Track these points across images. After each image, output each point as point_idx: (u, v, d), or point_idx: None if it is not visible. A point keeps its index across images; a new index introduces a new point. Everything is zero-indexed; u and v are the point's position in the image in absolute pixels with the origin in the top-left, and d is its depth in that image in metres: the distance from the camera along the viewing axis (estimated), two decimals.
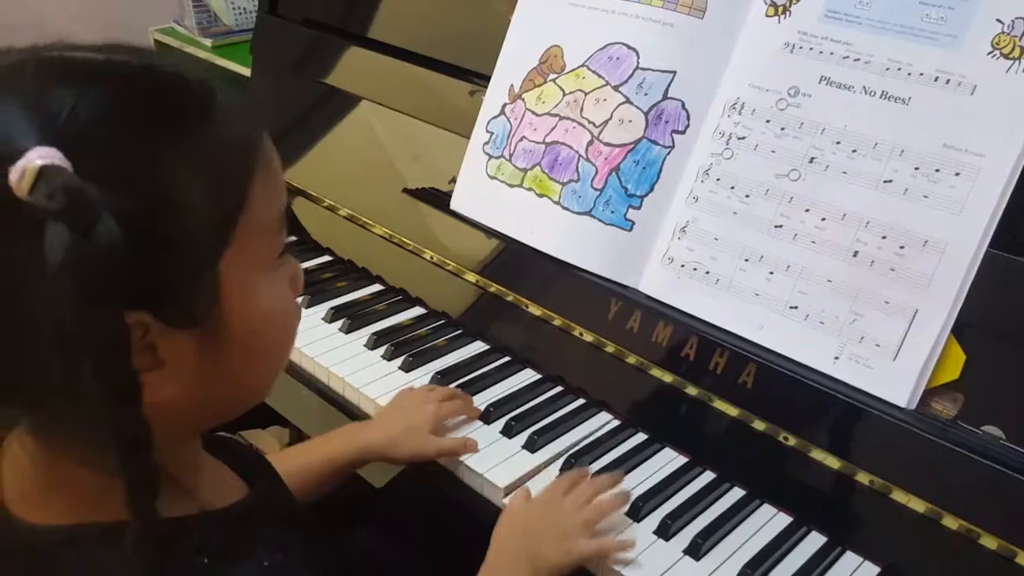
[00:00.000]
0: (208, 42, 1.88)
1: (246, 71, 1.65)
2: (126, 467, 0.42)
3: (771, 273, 0.86)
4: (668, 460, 0.92)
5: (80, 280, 0.39)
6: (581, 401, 1.00)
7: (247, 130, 0.50)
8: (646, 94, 0.95)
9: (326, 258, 1.31)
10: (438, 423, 0.92)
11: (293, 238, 1.36)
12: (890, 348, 0.79)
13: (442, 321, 1.15)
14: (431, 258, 1.16)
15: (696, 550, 0.80)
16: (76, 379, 0.40)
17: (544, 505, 0.81)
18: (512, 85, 1.07)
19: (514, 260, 1.07)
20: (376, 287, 1.23)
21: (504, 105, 1.08)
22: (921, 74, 0.80)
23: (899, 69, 0.81)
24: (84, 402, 0.40)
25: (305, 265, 1.28)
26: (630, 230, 0.95)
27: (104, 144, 0.43)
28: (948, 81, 0.78)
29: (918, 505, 0.77)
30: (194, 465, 0.56)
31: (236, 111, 0.50)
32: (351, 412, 1.02)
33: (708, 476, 0.90)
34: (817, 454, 0.83)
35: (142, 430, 0.42)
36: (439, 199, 1.15)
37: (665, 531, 0.82)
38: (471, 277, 1.11)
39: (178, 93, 0.47)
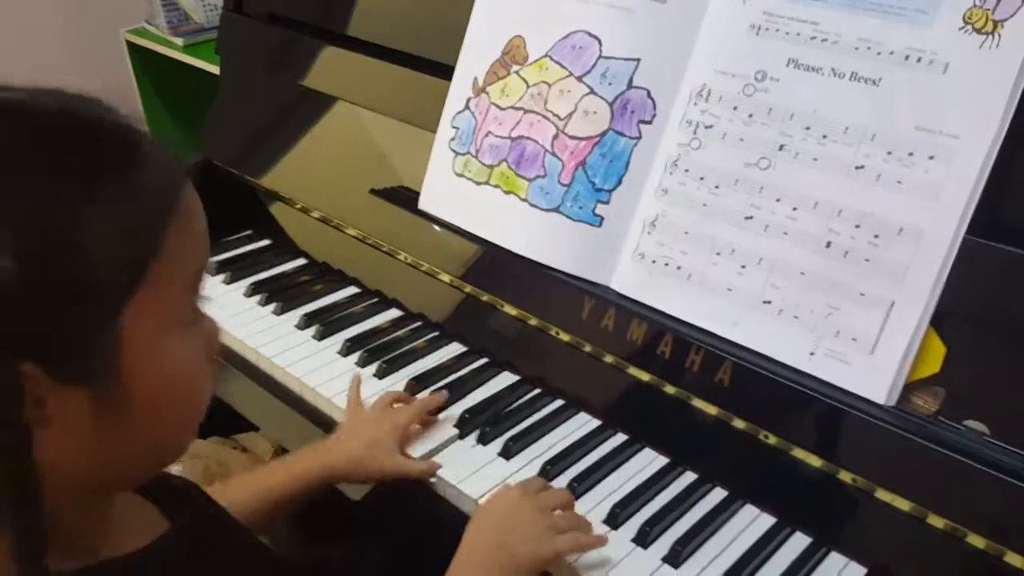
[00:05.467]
0: (179, 41, 1.85)
1: (218, 70, 1.61)
2: (13, 523, 0.41)
3: (743, 267, 0.83)
4: (648, 462, 0.90)
5: None
6: (560, 403, 0.98)
7: (165, 181, 0.48)
8: (610, 84, 0.92)
9: (302, 261, 1.28)
10: (401, 433, 0.89)
11: (267, 242, 1.33)
12: (867, 342, 0.76)
13: (419, 323, 1.12)
14: (405, 259, 1.13)
15: (675, 558, 0.78)
16: None
17: (516, 504, 0.78)
18: (476, 78, 1.04)
19: (487, 260, 1.04)
20: (352, 289, 1.20)
21: (468, 99, 1.04)
22: (891, 53, 0.76)
23: (868, 48, 0.77)
24: None
25: (281, 269, 1.26)
26: (599, 226, 0.92)
27: (6, 185, 0.42)
28: (919, 59, 0.75)
29: (903, 504, 0.75)
30: (104, 515, 0.53)
31: (156, 161, 0.48)
32: (324, 422, 0.99)
33: (689, 477, 0.88)
34: (798, 453, 0.80)
35: (30, 483, 0.40)
36: (410, 199, 1.12)
37: (644, 539, 0.80)
38: (446, 278, 1.08)
39: (93, 138, 0.46)
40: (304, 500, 0.86)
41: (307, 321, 1.11)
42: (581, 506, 0.83)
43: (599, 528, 0.81)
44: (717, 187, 0.85)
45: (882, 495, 0.75)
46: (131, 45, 1.98)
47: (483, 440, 0.92)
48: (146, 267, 0.46)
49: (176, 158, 0.50)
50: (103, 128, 0.47)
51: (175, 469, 1.22)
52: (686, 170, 0.87)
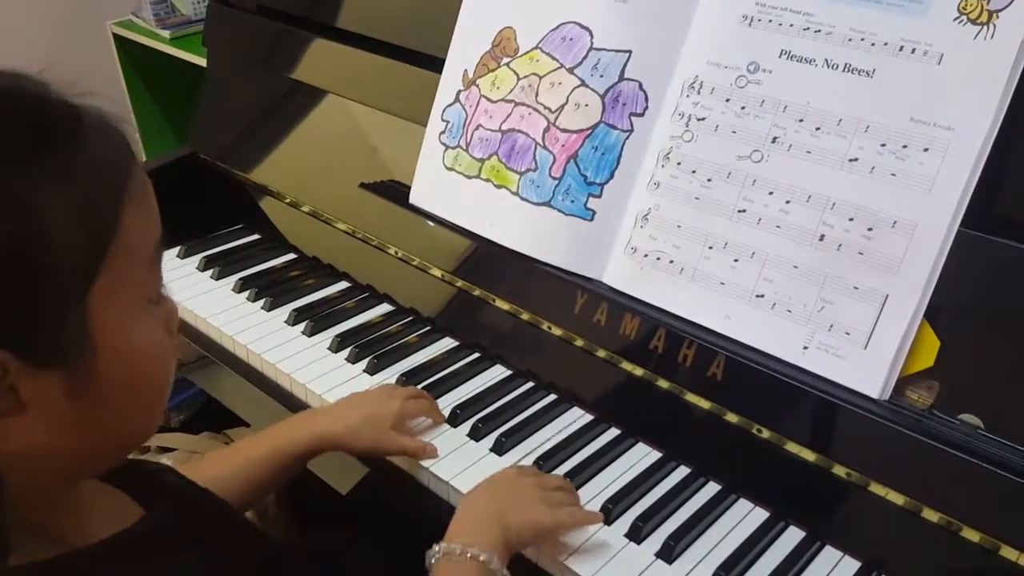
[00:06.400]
0: (166, 33, 1.83)
1: (205, 62, 1.59)
2: None
3: (736, 260, 0.82)
4: (641, 456, 0.89)
5: None
6: (552, 397, 0.97)
7: (116, 156, 0.47)
8: (602, 76, 0.91)
9: (292, 256, 1.27)
10: (401, 420, 0.88)
11: (257, 236, 1.32)
12: (861, 336, 0.75)
13: (410, 318, 1.11)
14: (396, 253, 1.12)
15: (668, 553, 0.78)
16: None
17: (516, 476, 0.80)
18: (466, 70, 1.02)
19: (478, 254, 1.03)
20: (343, 284, 1.19)
21: (458, 92, 1.03)
22: (885, 44, 0.75)
23: (862, 39, 0.76)
24: None
25: (271, 264, 1.25)
26: (591, 220, 0.91)
27: None
28: (914, 50, 0.74)
29: (896, 498, 0.74)
30: (74, 505, 0.53)
31: (104, 137, 0.47)
32: None
33: (682, 472, 0.87)
34: (792, 447, 0.80)
35: None
36: (400, 193, 1.11)
37: (637, 534, 0.79)
38: (436, 272, 1.07)
39: (39, 118, 0.44)
40: (293, 470, 0.85)
41: (297, 316, 1.10)
42: None
43: (591, 525, 0.81)
44: (709, 180, 0.84)
45: (876, 489, 0.75)
46: (117, 38, 1.96)
47: (475, 436, 0.91)
48: (107, 244, 0.45)
49: (121, 133, 0.49)
50: (47, 107, 0.45)
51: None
52: (678, 163, 0.86)
